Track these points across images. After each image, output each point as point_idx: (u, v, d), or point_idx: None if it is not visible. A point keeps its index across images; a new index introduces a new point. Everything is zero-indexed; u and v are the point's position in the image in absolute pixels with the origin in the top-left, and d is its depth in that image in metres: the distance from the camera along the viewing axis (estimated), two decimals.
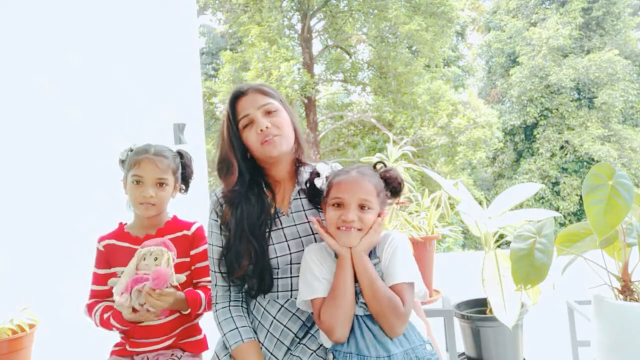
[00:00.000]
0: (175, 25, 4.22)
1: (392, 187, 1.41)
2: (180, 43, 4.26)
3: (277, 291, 1.43)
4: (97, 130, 3.06)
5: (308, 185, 1.45)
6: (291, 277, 1.43)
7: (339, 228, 1.32)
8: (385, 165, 1.44)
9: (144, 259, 1.49)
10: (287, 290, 1.43)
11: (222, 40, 16.93)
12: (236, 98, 1.47)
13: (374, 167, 1.44)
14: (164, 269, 1.46)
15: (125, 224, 1.71)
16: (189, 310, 1.58)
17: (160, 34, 3.92)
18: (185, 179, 1.74)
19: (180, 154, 1.73)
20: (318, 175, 1.42)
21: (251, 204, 1.43)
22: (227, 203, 1.46)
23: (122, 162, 1.68)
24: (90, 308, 1.63)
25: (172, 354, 1.61)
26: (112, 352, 1.66)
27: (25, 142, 2.59)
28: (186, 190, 1.76)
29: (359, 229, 1.32)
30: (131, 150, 1.67)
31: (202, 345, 1.70)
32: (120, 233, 1.68)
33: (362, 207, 1.33)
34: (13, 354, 1.98)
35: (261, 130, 1.41)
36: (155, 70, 3.77)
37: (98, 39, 3.21)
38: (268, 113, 1.44)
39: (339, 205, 1.33)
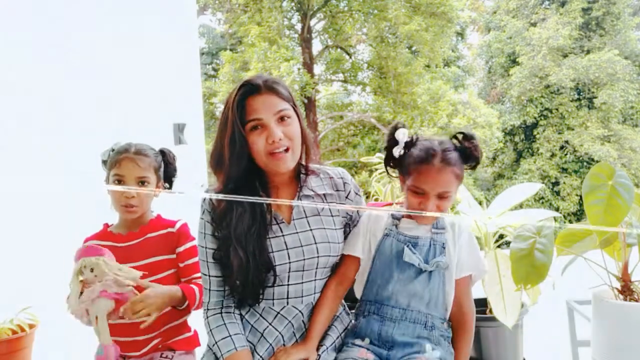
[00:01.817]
0: (175, 25, 4.22)
1: (473, 158, 1.39)
2: (180, 43, 4.27)
3: (273, 299, 1.39)
4: (98, 130, 3.05)
5: (387, 152, 1.42)
6: (288, 285, 1.38)
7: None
8: (466, 136, 1.39)
9: (82, 274, 1.44)
10: (284, 298, 1.39)
11: (222, 40, 16.92)
12: (248, 94, 1.34)
13: (457, 138, 1.39)
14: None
15: (111, 225, 1.71)
16: (185, 305, 1.55)
17: (160, 34, 3.92)
18: (169, 177, 1.74)
19: (162, 152, 1.73)
20: (396, 143, 1.39)
21: (243, 207, 1.35)
22: (219, 202, 1.39)
23: (104, 162, 1.68)
24: None
25: (162, 355, 1.60)
26: None
27: (26, 142, 2.59)
28: (170, 187, 1.75)
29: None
30: (112, 149, 1.67)
31: (194, 342, 1.68)
32: (104, 233, 1.69)
33: (441, 197, 1.34)
34: (13, 354, 1.98)
35: (273, 141, 1.31)
36: (155, 70, 3.76)
37: (98, 38, 3.21)
38: (282, 120, 1.34)
39: (417, 194, 1.34)
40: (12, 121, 2.53)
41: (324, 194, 1.46)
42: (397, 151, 1.37)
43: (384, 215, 1.42)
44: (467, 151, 1.36)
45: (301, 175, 1.46)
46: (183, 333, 1.68)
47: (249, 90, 1.35)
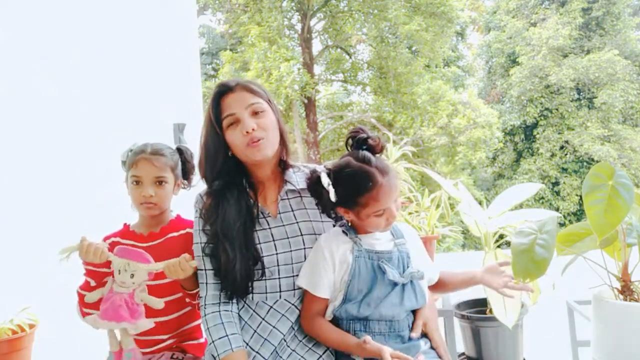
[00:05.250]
0: (175, 26, 4.22)
1: (378, 149, 1.37)
2: (180, 43, 4.27)
3: (266, 292, 1.40)
4: (97, 130, 3.06)
5: (311, 187, 1.37)
6: (279, 278, 1.40)
7: (386, 226, 1.35)
8: (368, 138, 1.34)
9: (119, 273, 1.45)
10: (276, 292, 1.40)
11: (222, 40, 16.93)
12: (222, 94, 1.42)
13: (368, 148, 1.35)
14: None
15: (129, 224, 1.71)
16: (195, 290, 1.52)
17: (160, 34, 3.92)
18: (187, 174, 1.74)
19: (179, 150, 1.73)
20: (318, 180, 1.33)
21: (229, 204, 1.40)
22: (207, 199, 1.44)
23: (124, 163, 1.68)
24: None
25: (173, 355, 1.60)
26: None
27: (26, 142, 2.59)
28: (189, 185, 1.76)
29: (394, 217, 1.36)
30: (131, 150, 1.67)
31: (203, 348, 1.68)
32: (125, 232, 1.68)
33: (396, 201, 1.34)
34: (13, 354, 1.98)
35: (247, 132, 1.36)
36: (155, 70, 3.77)
37: (98, 39, 3.21)
38: (255, 114, 1.39)
39: (382, 214, 1.31)
40: (11, 122, 2.53)
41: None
42: (333, 195, 1.31)
43: (340, 242, 1.37)
44: (371, 147, 1.34)
45: (285, 171, 1.50)
46: (195, 338, 1.68)
47: (223, 90, 1.42)
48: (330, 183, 1.31)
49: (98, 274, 1.51)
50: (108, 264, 1.47)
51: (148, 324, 1.49)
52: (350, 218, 1.37)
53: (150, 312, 1.55)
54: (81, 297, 1.52)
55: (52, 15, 2.85)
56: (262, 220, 1.43)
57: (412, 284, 1.38)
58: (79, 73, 3.01)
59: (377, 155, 1.35)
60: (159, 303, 1.49)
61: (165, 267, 1.43)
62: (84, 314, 1.54)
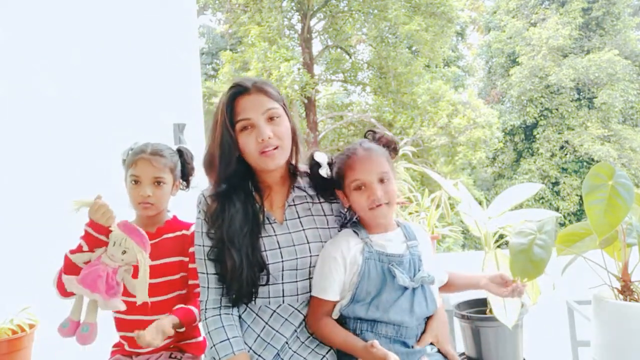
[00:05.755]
0: (175, 26, 4.22)
1: (392, 148, 1.45)
2: (180, 43, 4.26)
3: (269, 297, 1.39)
4: (97, 130, 3.06)
5: (313, 176, 1.44)
6: (283, 283, 1.39)
7: (371, 209, 1.35)
8: (375, 132, 1.47)
9: (113, 244, 1.46)
10: (279, 296, 1.39)
11: (222, 40, 16.93)
12: (236, 95, 1.37)
13: (372, 137, 1.46)
14: None
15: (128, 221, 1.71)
16: (184, 329, 1.55)
17: (160, 34, 3.92)
18: (186, 176, 1.74)
19: (180, 152, 1.73)
20: (319, 165, 1.41)
21: (235, 209, 1.37)
22: (212, 202, 1.41)
23: (124, 161, 1.69)
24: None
25: (171, 355, 1.60)
26: (113, 352, 1.66)
27: (26, 142, 2.59)
28: (187, 186, 1.76)
29: (386, 204, 1.35)
30: (131, 149, 1.68)
31: (202, 347, 1.69)
32: None
33: (382, 180, 1.35)
34: (13, 354, 1.98)
35: (262, 140, 1.33)
36: (155, 70, 3.77)
37: (98, 39, 3.21)
38: (271, 119, 1.36)
39: (360, 187, 1.35)
40: (11, 121, 2.53)
41: (317, 194, 1.47)
42: (324, 171, 1.40)
43: (351, 243, 1.37)
44: (381, 140, 1.44)
45: (294, 175, 1.47)
46: (194, 337, 1.68)
47: (238, 91, 1.38)
48: (326, 161, 1.41)
49: (93, 240, 1.50)
50: (107, 232, 1.48)
51: (120, 304, 1.51)
52: (346, 203, 1.41)
53: (148, 310, 1.55)
54: (67, 259, 1.52)
55: (52, 15, 2.85)
56: (268, 227, 1.40)
57: (422, 288, 1.36)
58: (79, 73, 3.01)
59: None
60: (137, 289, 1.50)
61: (152, 327, 1.43)
62: (60, 273, 1.55)
